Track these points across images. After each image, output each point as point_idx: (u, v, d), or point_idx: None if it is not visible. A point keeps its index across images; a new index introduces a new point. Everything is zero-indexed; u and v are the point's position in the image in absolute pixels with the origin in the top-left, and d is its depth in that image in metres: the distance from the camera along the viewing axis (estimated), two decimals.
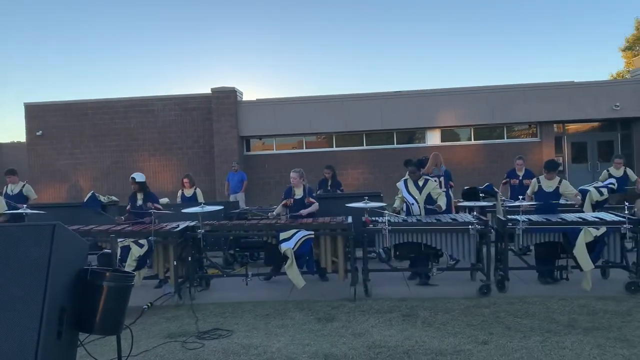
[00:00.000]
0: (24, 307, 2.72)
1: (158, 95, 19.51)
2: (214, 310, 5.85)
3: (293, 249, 6.11)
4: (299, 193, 7.30)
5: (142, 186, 7.44)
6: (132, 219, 7.27)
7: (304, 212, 7.08)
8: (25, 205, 7.43)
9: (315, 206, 7.20)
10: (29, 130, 19.56)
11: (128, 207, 7.47)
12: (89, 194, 8.44)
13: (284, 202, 7.30)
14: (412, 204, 7.08)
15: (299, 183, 7.33)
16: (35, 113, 19.51)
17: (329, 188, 9.77)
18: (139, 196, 7.43)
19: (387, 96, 18.86)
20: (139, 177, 7.49)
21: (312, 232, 6.21)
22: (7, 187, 9.29)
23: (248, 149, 19.72)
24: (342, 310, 5.66)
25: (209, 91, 18.93)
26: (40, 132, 19.35)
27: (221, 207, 7.46)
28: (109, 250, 3.72)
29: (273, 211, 7.67)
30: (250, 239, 7.93)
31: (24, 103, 19.64)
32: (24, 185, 9.18)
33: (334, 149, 19.25)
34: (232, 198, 13.72)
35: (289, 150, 19.70)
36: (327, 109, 18.60)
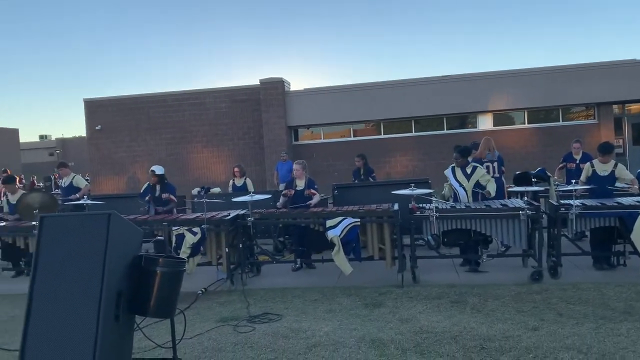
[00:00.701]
0: (84, 292, 2.92)
1: (209, 87, 19.96)
2: (264, 296, 6.01)
3: (340, 236, 6.18)
4: (300, 184, 7.43)
5: (161, 178, 7.81)
6: (150, 209, 7.64)
7: (312, 202, 7.17)
8: (85, 196, 7.83)
9: (317, 198, 7.30)
10: (89, 125, 20.46)
11: (148, 197, 7.82)
12: (145, 185, 8.77)
13: (284, 192, 7.42)
14: (460, 192, 6.99)
15: (301, 174, 7.46)
16: (95, 108, 20.39)
17: (361, 176, 9.79)
18: (157, 188, 7.80)
19: (436, 81, 18.54)
20: (159, 169, 7.88)
21: (359, 220, 6.26)
22: (61, 180, 9.80)
23: (296, 139, 19.90)
24: (389, 297, 5.69)
25: (258, 82, 19.19)
26: (100, 126, 20.21)
27: (269, 196, 7.62)
28: (162, 238, 3.92)
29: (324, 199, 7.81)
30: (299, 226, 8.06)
31: (84, 99, 20.56)
32: (74, 177, 9.58)
33: (382, 136, 19.15)
34: (281, 187, 13.92)
35: (337, 139, 19.74)
36: (375, 96, 18.49)
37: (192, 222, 6.56)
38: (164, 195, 7.72)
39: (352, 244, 6.20)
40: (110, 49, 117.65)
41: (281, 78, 18.98)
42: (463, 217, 6.25)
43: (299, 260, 7.17)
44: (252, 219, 6.65)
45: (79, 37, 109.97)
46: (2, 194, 10.43)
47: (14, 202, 8.09)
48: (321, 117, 18.99)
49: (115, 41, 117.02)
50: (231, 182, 9.98)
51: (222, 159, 19.54)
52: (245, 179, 9.80)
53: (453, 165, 7.14)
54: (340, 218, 6.27)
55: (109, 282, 2.95)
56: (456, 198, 7.06)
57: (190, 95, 19.83)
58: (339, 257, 6.18)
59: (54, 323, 2.93)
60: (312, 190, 7.32)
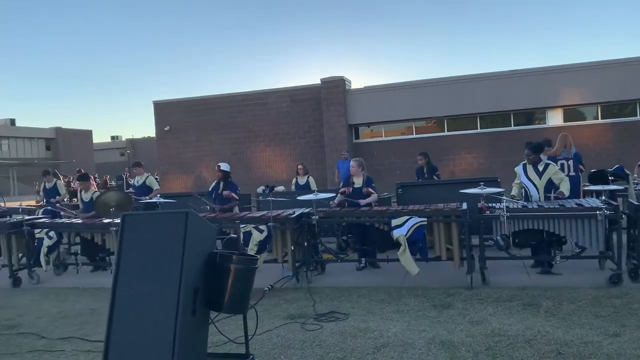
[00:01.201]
0: (163, 287, 3.03)
1: (270, 88, 20.30)
2: (330, 294, 6.03)
3: (406, 235, 6.10)
4: (358, 182, 7.35)
5: (225, 175, 7.94)
6: (211, 207, 7.79)
7: (362, 201, 7.07)
8: (158, 195, 8.15)
9: (374, 197, 7.19)
10: (158, 126, 21.30)
11: (214, 195, 8.00)
12: (213, 184, 9.02)
13: (341, 190, 7.34)
14: (531, 189, 6.73)
15: (358, 172, 7.39)
16: (163, 110, 21.21)
17: (425, 175, 9.60)
18: (221, 184, 7.94)
19: (502, 75, 17.98)
20: (224, 166, 8.04)
21: (425, 219, 6.16)
22: (134, 178, 10.23)
23: (357, 137, 19.88)
24: (458, 298, 5.57)
25: (318, 82, 19.31)
26: (168, 127, 20.99)
27: (334, 195, 7.63)
28: (235, 235, 4.03)
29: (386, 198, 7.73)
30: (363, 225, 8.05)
31: (153, 101, 21.43)
32: (147, 177, 9.97)
33: (446, 133, 18.79)
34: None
35: (398, 136, 19.55)
36: (437, 93, 18.17)
37: (258, 220, 6.68)
38: (225, 193, 7.91)
39: (419, 243, 6.11)
40: (177, 52, 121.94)
41: (342, 77, 19.01)
42: (535, 217, 6.01)
43: (363, 259, 7.14)
44: (317, 217, 6.69)
45: (147, 41, 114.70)
46: (78, 192, 11.08)
47: (87, 200, 8.54)
48: (382, 114, 18.87)
49: (182, 45, 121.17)
50: (294, 180, 10.09)
51: (283, 158, 19.82)
52: (308, 177, 9.88)
53: (524, 162, 6.89)
54: (406, 217, 6.20)
55: (186, 278, 3.05)
56: (527, 197, 6.82)
57: (253, 96, 20.24)
58: (405, 257, 6.11)
59: (136, 315, 3.06)
60: (370, 189, 7.25)
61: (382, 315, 5.14)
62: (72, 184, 18.25)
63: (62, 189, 11.39)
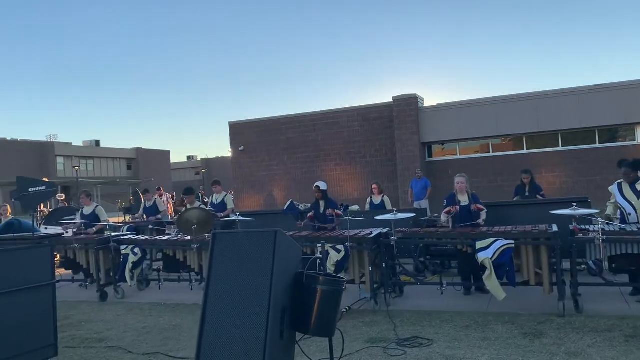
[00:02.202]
0: (252, 307, 3.00)
1: (342, 107, 20.39)
2: (410, 318, 5.83)
3: (491, 258, 5.81)
4: (464, 200, 6.98)
5: (324, 194, 7.85)
6: (310, 224, 7.69)
7: (481, 220, 6.74)
8: (237, 213, 8.28)
9: (484, 214, 6.82)
10: (233, 146, 21.91)
11: (310, 214, 7.91)
12: (288, 202, 9.07)
13: (447, 209, 6.99)
14: (629, 211, 6.24)
15: (464, 188, 7.02)
16: (238, 130, 21.81)
17: (526, 194, 9.15)
18: (322, 203, 7.83)
19: (585, 90, 17.09)
20: (323, 185, 7.92)
21: (512, 241, 5.84)
22: (212, 196, 10.52)
23: (430, 155, 19.49)
24: (550, 326, 5.20)
25: (390, 100, 19.19)
26: (242, 147, 21.54)
27: (413, 215, 7.44)
28: (320, 256, 3.97)
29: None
30: (441, 247, 7.80)
31: (229, 122, 22.10)
32: (225, 196, 10.24)
33: (525, 151, 18.03)
34: (415, 205, 13.66)
35: (474, 154, 18.98)
36: (515, 109, 17.52)
37: (336, 240, 6.60)
38: (329, 212, 7.69)
39: (506, 267, 5.79)
40: (250, 74, 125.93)
41: (415, 94, 18.78)
42: (635, 241, 5.55)
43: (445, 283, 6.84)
44: (395, 238, 6.52)
45: (221, 64, 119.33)
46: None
47: None
48: (456, 132, 18.42)
49: (253, 66, 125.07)
50: (369, 199, 9.97)
51: (354, 177, 19.75)
52: (383, 196, 9.74)
53: (620, 181, 6.42)
54: (492, 239, 5.91)
55: (275, 298, 3.00)
56: (623, 218, 6.32)
57: (324, 115, 20.41)
58: (491, 281, 5.80)
59: (225, 334, 3.05)
60: (479, 205, 6.86)
61: (469, 342, 4.88)
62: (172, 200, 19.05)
63: (162, 206, 11.88)
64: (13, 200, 8.69)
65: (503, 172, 16.13)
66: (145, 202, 11.78)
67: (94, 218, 8.88)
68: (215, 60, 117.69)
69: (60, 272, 9.52)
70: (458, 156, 19.05)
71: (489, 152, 18.74)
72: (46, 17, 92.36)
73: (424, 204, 13.88)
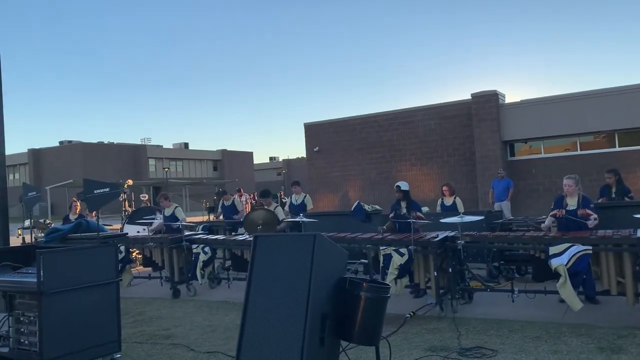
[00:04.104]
0: (291, 310, 2.95)
1: (417, 106, 19.94)
2: (477, 326, 5.54)
3: (566, 265, 5.38)
4: (572, 203, 6.40)
5: (405, 195, 7.58)
6: (393, 227, 7.45)
7: (590, 223, 6.08)
8: (301, 214, 8.32)
9: (594, 219, 6.13)
10: (308, 146, 22.11)
11: (391, 215, 7.68)
12: (355, 204, 8.97)
13: (552, 212, 6.50)
14: None
15: (574, 191, 6.42)
16: (313, 131, 21.98)
17: (613, 195, 8.43)
18: (402, 204, 7.57)
19: None
20: (404, 185, 7.66)
21: (590, 247, 5.38)
22: (291, 196, 10.66)
23: (512, 154, 18.57)
24: (631, 341, 4.73)
25: (468, 97, 18.51)
26: (317, 148, 21.68)
27: (482, 217, 7.07)
28: (366, 261, 3.85)
29: (543, 222, 6.91)
30: (515, 251, 7.37)
31: (304, 123, 22.33)
32: (305, 197, 10.35)
33: (617, 149, 16.71)
34: (496, 207, 13.04)
35: (560, 153, 17.86)
36: (606, 104, 16.28)
37: (399, 243, 6.42)
38: (413, 215, 7.28)
39: (582, 275, 5.35)
40: (326, 77, 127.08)
41: (495, 90, 17.99)
42: None
43: (516, 290, 6.44)
44: (462, 241, 6.23)
45: (308, 65, 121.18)
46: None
47: None
48: (541, 130, 17.41)
49: (332, 66, 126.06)
50: (439, 201, 9.63)
51: (431, 177, 19.25)
52: (455, 198, 9.36)
53: None
54: (566, 244, 5.47)
55: (314, 303, 2.93)
56: None
57: (399, 115, 20.08)
58: (566, 289, 5.38)
59: (264, 337, 3.03)
60: (588, 210, 6.24)
61: (537, 354, 4.55)
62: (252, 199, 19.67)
63: (240, 206, 12.26)
64: (80, 200, 9.24)
65: (591, 172, 15.01)
66: (223, 202, 12.15)
67: (173, 218, 9.28)
68: (297, 60, 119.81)
69: (139, 269, 10.08)
70: (542, 155, 18.00)
71: (576, 150, 17.56)
72: (132, 21, 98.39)
73: (505, 205, 13.21)
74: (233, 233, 10.69)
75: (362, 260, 5.42)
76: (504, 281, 7.49)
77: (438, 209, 9.41)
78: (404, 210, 7.51)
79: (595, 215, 6.16)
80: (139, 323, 6.55)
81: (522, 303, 6.19)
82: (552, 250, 5.53)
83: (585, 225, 6.14)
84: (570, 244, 5.47)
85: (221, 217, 12.14)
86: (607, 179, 8.63)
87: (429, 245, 6.26)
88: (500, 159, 17.58)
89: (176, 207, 9.61)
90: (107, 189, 5.61)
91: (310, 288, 2.92)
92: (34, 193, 9.26)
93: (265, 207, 9.29)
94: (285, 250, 3.08)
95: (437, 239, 6.30)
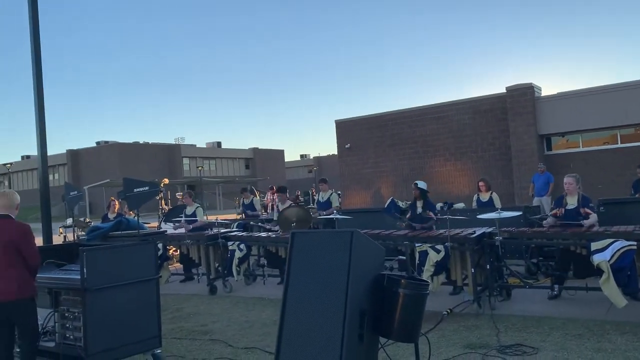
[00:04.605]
0: (328, 309, 2.95)
1: (450, 100, 19.66)
2: (516, 324, 5.44)
3: (609, 261, 5.23)
4: (572, 202, 6.32)
5: (422, 193, 7.55)
6: (410, 225, 7.41)
7: (585, 222, 5.98)
8: (334, 211, 8.32)
9: (593, 218, 6.02)
10: (339, 143, 22.07)
11: (408, 214, 7.65)
12: (389, 200, 8.92)
13: (553, 211, 6.36)
14: None
15: (574, 190, 6.34)
16: (344, 128, 21.92)
17: None
18: (419, 204, 7.55)
19: None
20: (422, 184, 7.64)
21: (634, 243, 5.22)
22: (319, 194, 10.66)
23: (549, 148, 18.14)
24: None
25: (503, 90, 18.15)
26: (349, 145, 21.62)
27: (519, 213, 6.94)
28: (404, 257, 3.82)
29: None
30: (554, 247, 7.20)
31: (335, 120, 22.29)
32: (331, 194, 10.33)
33: None
34: (535, 202, 12.75)
35: (600, 146, 17.35)
36: None
37: (435, 239, 6.36)
38: (428, 213, 7.39)
39: (626, 271, 5.20)
40: (358, 71, 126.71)
41: (531, 83, 17.58)
42: None
43: (556, 286, 6.32)
44: (500, 238, 6.13)
45: (329, 63, 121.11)
46: (274, 203, 12.08)
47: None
48: (579, 122, 16.93)
49: (362, 63, 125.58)
50: (475, 196, 9.49)
51: (465, 172, 18.96)
52: (491, 193, 9.20)
53: None
54: (609, 240, 5.33)
55: (352, 300, 2.93)
56: None
57: (432, 109, 19.82)
58: (609, 286, 5.23)
59: (303, 334, 3.04)
60: (587, 209, 6.18)
61: (579, 352, 4.44)
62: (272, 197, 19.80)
63: (257, 205, 12.38)
64: (120, 199, 9.47)
65: (632, 166, 14.55)
66: (243, 200, 12.29)
67: (195, 217, 9.47)
68: (326, 58, 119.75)
69: (177, 266, 10.26)
70: (581, 148, 17.52)
71: (617, 143, 17.03)
72: (164, 26, 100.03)
73: (545, 200, 12.89)
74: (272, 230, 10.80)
75: (400, 257, 5.38)
76: (543, 278, 7.35)
77: (474, 204, 9.27)
78: (420, 210, 7.50)
79: (595, 215, 6.12)
80: (177, 319, 6.67)
81: (563, 300, 6.06)
82: (594, 245, 5.39)
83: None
84: (613, 240, 5.32)
85: (243, 214, 12.30)
86: (639, 173, 8.39)
87: (466, 241, 6.18)
88: (537, 153, 17.19)
89: (197, 207, 9.78)
90: (147, 188, 5.73)
91: (348, 285, 2.92)
92: (76, 192, 9.54)
93: (280, 202, 9.40)
94: (322, 247, 3.09)
95: (474, 235, 6.22)
